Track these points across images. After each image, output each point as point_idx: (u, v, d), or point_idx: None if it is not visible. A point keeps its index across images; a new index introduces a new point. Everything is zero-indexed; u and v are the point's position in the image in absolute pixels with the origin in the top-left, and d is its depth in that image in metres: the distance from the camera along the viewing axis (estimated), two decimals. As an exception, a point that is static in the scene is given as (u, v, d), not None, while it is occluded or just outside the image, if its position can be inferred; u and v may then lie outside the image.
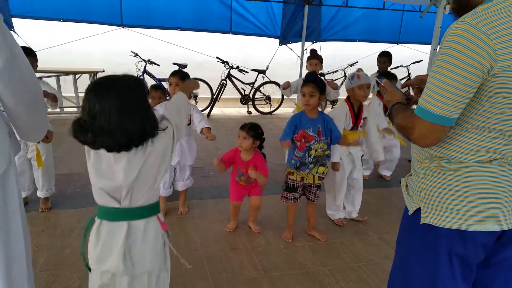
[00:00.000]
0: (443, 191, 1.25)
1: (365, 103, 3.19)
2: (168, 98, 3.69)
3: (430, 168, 1.29)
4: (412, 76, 8.45)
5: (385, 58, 4.64)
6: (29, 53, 3.50)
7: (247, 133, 2.83)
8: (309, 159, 2.78)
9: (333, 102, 8.32)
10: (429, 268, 1.31)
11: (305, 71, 6.95)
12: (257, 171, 2.82)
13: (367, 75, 3.05)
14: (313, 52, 4.34)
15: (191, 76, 5.16)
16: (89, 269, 1.47)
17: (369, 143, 3.24)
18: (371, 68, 4.90)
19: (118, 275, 1.40)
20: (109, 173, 1.35)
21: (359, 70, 3.07)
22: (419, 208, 1.31)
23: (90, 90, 1.29)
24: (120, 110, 1.25)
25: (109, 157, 1.33)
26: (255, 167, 2.88)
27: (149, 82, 6.81)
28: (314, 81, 2.77)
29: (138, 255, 1.40)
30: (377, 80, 1.67)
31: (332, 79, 8.11)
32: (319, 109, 2.85)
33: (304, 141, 2.76)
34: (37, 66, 3.57)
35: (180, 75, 3.09)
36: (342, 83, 8.27)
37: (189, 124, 3.12)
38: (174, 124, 1.45)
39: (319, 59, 4.21)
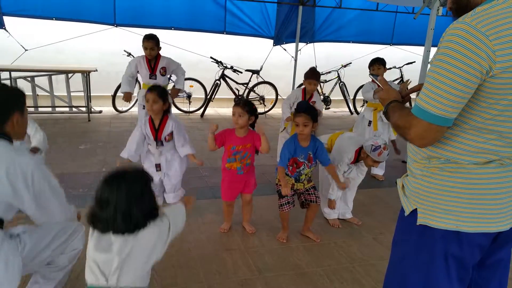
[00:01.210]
0: (439, 192, 1.25)
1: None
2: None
3: (427, 168, 1.29)
4: (405, 77, 8.50)
5: (378, 65, 4.20)
6: None
7: (242, 109, 2.78)
8: (299, 179, 2.90)
9: (327, 104, 8.35)
10: (425, 269, 1.30)
11: (298, 73, 6.97)
12: (263, 131, 2.76)
13: (388, 155, 2.95)
14: (313, 71, 4.24)
15: (185, 75, 5.11)
16: None
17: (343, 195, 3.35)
18: (365, 69, 4.91)
19: None
20: (107, 247, 1.44)
21: (386, 147, 2.91)
22: (416, 209, 1.31)
23: (103, 183, 1.44)
24: (128, 201, 1.41)
25: (109, 236, 1.44)
26: (254, 144, 2.86)
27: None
28: (307, 110, 2.77)
29: None
30: (372, 77, 1.68)
31: (325, 80, 8.19)
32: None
33: (295, 167, 2.83)
34: None
35: (158, 91, 2.86)
36: (334, 87, 8.30)
37: (171, 139, 3.02)
38: (172, 222, 1.58)
39: (318, 79, 4.21)
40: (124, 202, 1.40)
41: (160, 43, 4.37)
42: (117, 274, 1.42)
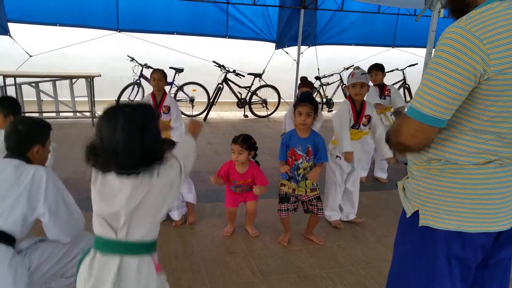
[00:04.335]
0: (441, 193, 1.26)
1: (370, 101, 3.20)
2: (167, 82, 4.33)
3: (427, 170, 1.30)
4: (408, 79, 8.50)
5: (376, 71, 4.34)
6: None
7: (241, 146, 2.82)
8: (298, 178, 2.84)
9: (329, 106, 8.36)
10: (427, 270, 1.31)
11: (300, 76, 6.98)
12: (260, 187, 2.88)
13: (363, 73, 3.02)
14: (304, 79, 4.34)
15: (188, 79, 5.15)
16: None
17: (376, 141, 3.29)
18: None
19: None
20: (112, 198, 1.36)
21: (355, 68, 3.03)
22: (417, 210, 1.31)
23: (102, 115, 1.36)
24: (128, 132, 1.30)
25: (114, 184, 1.35)
26: (254, 179, 2.93)
27: (146, 86, 6.82)
28: (311, 101, 2.78)
29: None
30: (395, 115, 1.71)
31: (328, 83, 8.20)
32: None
33: (294, 159, 2.81)
34: None
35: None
36: (336, 89, 8.31)
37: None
38: (182, 163, 1.48)
39: (310, 86, 4.26)
40: (125, 133, 1.29)
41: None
42: (126, 228, 1.35)
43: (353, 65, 7.99)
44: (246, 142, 2.84)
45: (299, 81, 4.40)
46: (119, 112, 1.33)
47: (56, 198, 1.76)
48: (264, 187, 2.94)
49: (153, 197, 1.36)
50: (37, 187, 1.71)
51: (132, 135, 1.30)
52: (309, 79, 4.39)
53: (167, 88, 4.45)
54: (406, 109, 1.28)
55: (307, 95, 2.93)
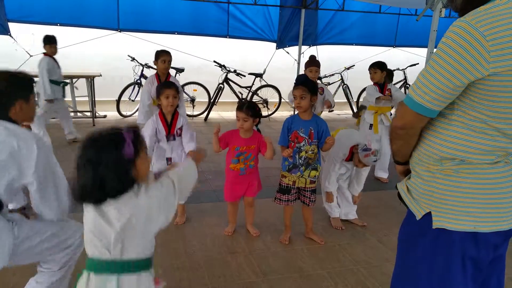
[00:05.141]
0: (456, 194, 1.25)
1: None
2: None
3: (440, 171, 1.28)
4: (409, 78, 8.49)
5: (374, 69, 4.31)
6: (50, 40, 4.98)
7: (246, 113, 2.78)
8: (300, 161, 2.79)
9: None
10: (441, 272, 1.29)
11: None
12: (270, 140, 2.80)
13: (375, 161, 2.98)
14: (312, 58, 4.35)
15: (189, 79, 5.13)
16: None
17: (357, 175, 3.27)
18: (368, 71, 4.91)
19: None
20: (101, 217, 1.33)
21: (375, 153, 2.91)
22: (429, 212, 1.29)
23: (78, 147, 1.35)
24: (94, 165, 1.29)
25: (100, 212, 1.33)
26: (258, 146, 2.88)
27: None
28: (304, 83, 2.76)
29: None
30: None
31: (329, 83, 8.19)
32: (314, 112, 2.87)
33: (296, 142, 2.78)
34: (56, 51, 5.07)
35: (176, 86, 3.00)
36: (337, 89, 8.30)
37: (180, 135, 3.07)
38: (176, 180, 1.45)
39: (318, 65, 4.27)
40: (93, 167, 1.29)
41: (164, 47, 4.40)
42: (119, 247, 1.32)
43: (353, 65, 8.00)
44: (250, 109, 2.81)
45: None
46: (90, 145, 1.33)
47: (46, 169, 1.69)
48: (272, 149, 2.84)
49: (142, 216, 1.33)
50: (28, 155, 1.61)
51: (102, 169, 1.29)
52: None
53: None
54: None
55: (300, 78, 2.91)
